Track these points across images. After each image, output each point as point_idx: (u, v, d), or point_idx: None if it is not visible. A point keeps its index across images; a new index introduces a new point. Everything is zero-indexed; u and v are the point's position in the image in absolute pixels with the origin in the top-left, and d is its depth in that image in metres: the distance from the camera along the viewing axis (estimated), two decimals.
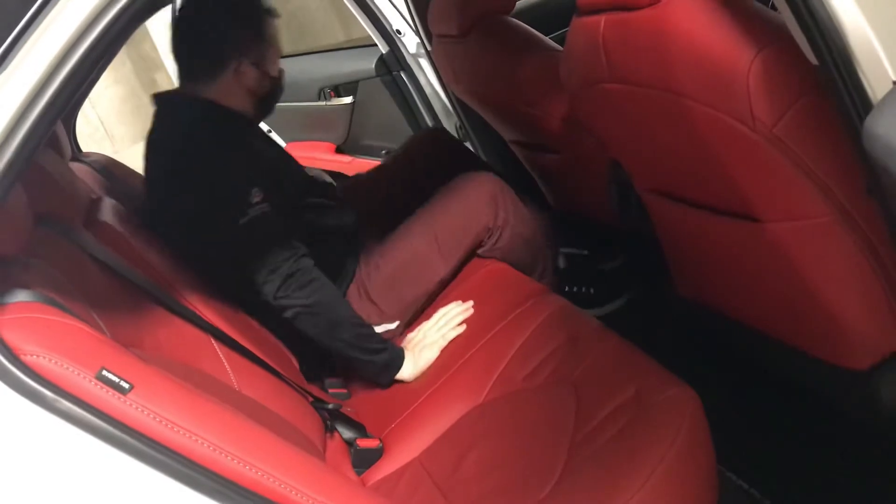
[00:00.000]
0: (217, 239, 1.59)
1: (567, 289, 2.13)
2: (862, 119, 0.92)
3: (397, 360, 1.63)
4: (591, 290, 2.12)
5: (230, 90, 1.69)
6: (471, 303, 1.72)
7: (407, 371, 1.63)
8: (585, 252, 2.22)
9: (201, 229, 1.58)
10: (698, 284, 1.63)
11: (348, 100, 3.06)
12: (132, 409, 0.84)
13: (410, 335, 1.72)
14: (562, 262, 2.19)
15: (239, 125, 1.73)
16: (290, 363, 1.63)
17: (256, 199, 1.56)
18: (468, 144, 2.63)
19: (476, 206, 1.84)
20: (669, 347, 1.48)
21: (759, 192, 1.21)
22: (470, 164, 2.12)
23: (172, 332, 1.28)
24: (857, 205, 1.16)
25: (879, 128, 0.85)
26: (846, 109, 0.95)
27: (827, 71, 0.96)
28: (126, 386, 0.84)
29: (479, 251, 1.88)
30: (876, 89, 0.91)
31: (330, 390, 1.69)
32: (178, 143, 1.64)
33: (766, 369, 1.63)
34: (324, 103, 3.16)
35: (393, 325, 1.76)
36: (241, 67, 1.67)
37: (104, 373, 0.84)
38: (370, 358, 1.62)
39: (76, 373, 0.83)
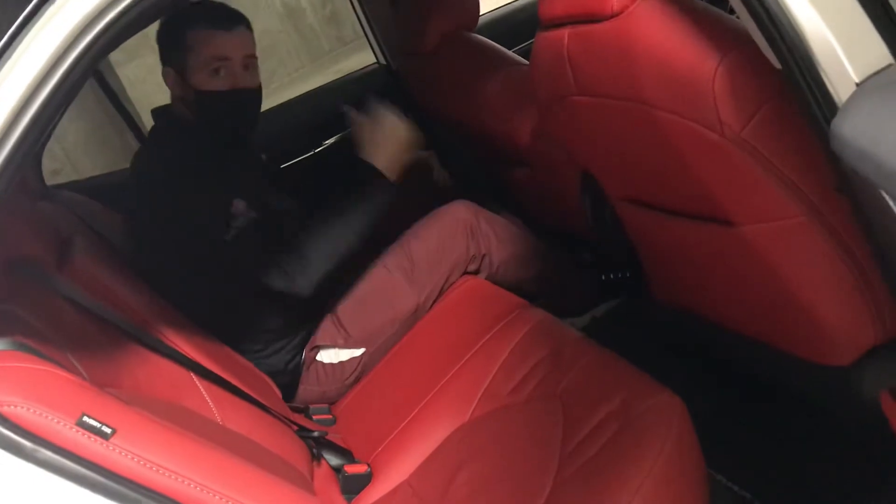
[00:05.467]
0: (206, 264, 1.58)
1: (605, 277, 2.10)
2: (828, 121, 0.93)
3: (377, 179, 1.65)
4: (628, 274, 2.05)
5: (173, 98, 1.73)
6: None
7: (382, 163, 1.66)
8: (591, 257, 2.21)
9: (186, 258, 1.57)
10: (676, 289, 1.64)
11: None
12: (116, 454, 0.82)
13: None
14: (589, 256, 2.17)
15: (200, 141, 1.70)
16: (273, 392, 1.62)
17: (240, 210, 1.57)
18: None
19: (450, 236, 1.84)
20: (651, 354, 1.48)
21: (731, 196, 1.22)
22: (451, 194, 2.09)
23: (152, 370, 1.26)
24: (828, 204, 1.17)
25: (846, 130, 0.86)
26: (812, 112, 0.96)
27: (790, 74, 0.97)
28: (108, 431, 0.83)
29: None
30: (840, 91, 0.92)
31: (315, 417, 1.68)
32: (150, 164, 1.67)
33: (748, 370, 1.64)
34: None
35: (358, 352, 1.75)
36: (168, 74, 1.69)
37: (85, 419, 0.82)
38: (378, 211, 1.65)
39: (56, 421, 0.81)
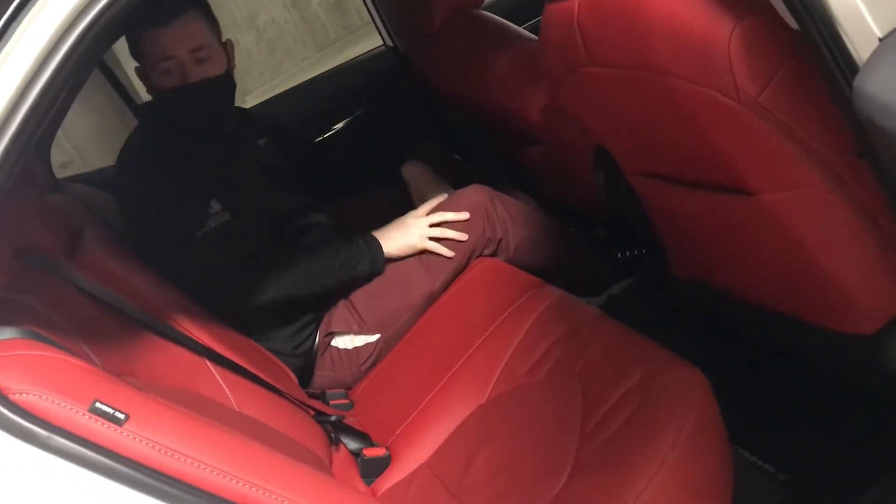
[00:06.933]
0: (178, 256, 1.59)
1: (621, 254, 2.08)
2: (849, 81, 0.90)
3: (376, 252, 1.73)
4: (644, 251, 2.05)
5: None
6: (463, 222, 1.79)
7: (391, 248, 1.75)
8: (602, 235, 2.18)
9: (162, 247, 1.59)
10: (694, 264, 1.61)
11: None
12: (129, 439, 0.81)
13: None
14: (602, 233, 2.15)
15: (184, 135, 1.70)
16: (289, 378, 1.61)
17: (215, 210, 1.59)
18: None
19: (466, 221, 1.80)
20: (670, 331, 1.46)
21: (750, 165, 1.19)
22: (464, 177, 2.07)
23: (166, 358, 1.26)
24: (849, 169, 1.14)
25: (870, 87, 0.83)
26: (831, 72, 0.94)
27: (809, 34, 0.94)
28: (121, 416, 0.82)
29: None
30: (860, 49, 0.89)
31: (331, 402, 1.67)
32: (133, 156, 1.72)
33: (771, 343, 1.61)
34: None
35: (373, 338, 1.74)
36: (139, 74, 1.70)
37: (97, 405, 0.81)
38: (353, 274, 1.72)
39: (68, 407, 0.80)
